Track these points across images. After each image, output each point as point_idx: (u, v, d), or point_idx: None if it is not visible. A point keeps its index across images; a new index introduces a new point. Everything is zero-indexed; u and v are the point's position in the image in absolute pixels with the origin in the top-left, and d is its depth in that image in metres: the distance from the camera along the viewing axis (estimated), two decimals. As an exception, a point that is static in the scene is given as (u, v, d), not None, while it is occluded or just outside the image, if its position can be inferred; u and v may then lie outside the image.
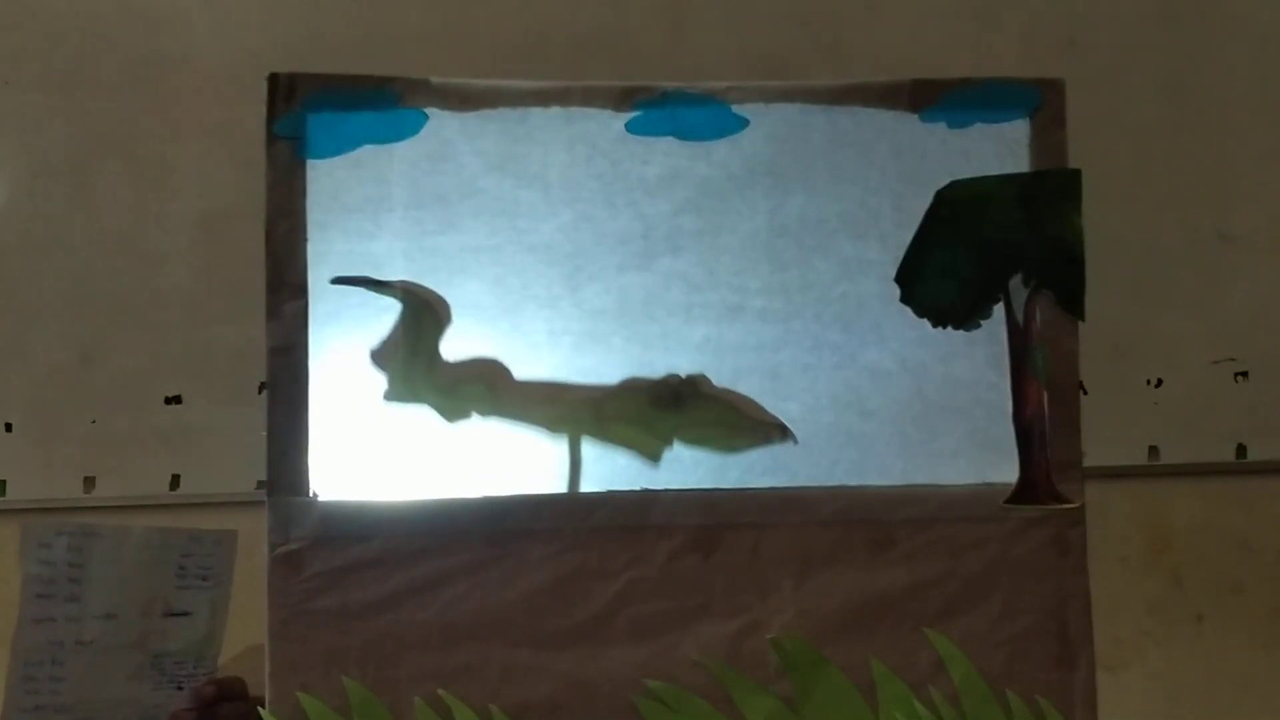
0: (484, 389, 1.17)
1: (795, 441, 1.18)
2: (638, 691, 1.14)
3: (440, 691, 1.13)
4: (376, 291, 1.16)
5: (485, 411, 1.17)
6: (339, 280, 1.16)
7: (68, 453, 2.43)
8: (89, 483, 2.44)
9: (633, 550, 1.16)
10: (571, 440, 1.17)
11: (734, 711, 1.15)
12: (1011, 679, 1.17)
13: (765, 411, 1.18)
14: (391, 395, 1.17)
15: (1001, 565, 1.18)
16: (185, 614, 1.31)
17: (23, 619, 1.24)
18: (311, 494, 1.14)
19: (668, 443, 1.18)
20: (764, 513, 1.17)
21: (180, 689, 1.32)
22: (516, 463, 1.18)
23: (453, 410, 1.17)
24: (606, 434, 1.17)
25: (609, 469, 1.18)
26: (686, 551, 1.16)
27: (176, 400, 2.43)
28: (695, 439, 1.18)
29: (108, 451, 2.43)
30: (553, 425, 1.17)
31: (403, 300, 1.17)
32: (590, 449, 1.18)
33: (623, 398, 1.18)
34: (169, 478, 2.44)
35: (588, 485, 1.18)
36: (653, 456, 1.18)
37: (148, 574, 1.30)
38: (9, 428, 2.43)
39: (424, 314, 1.16)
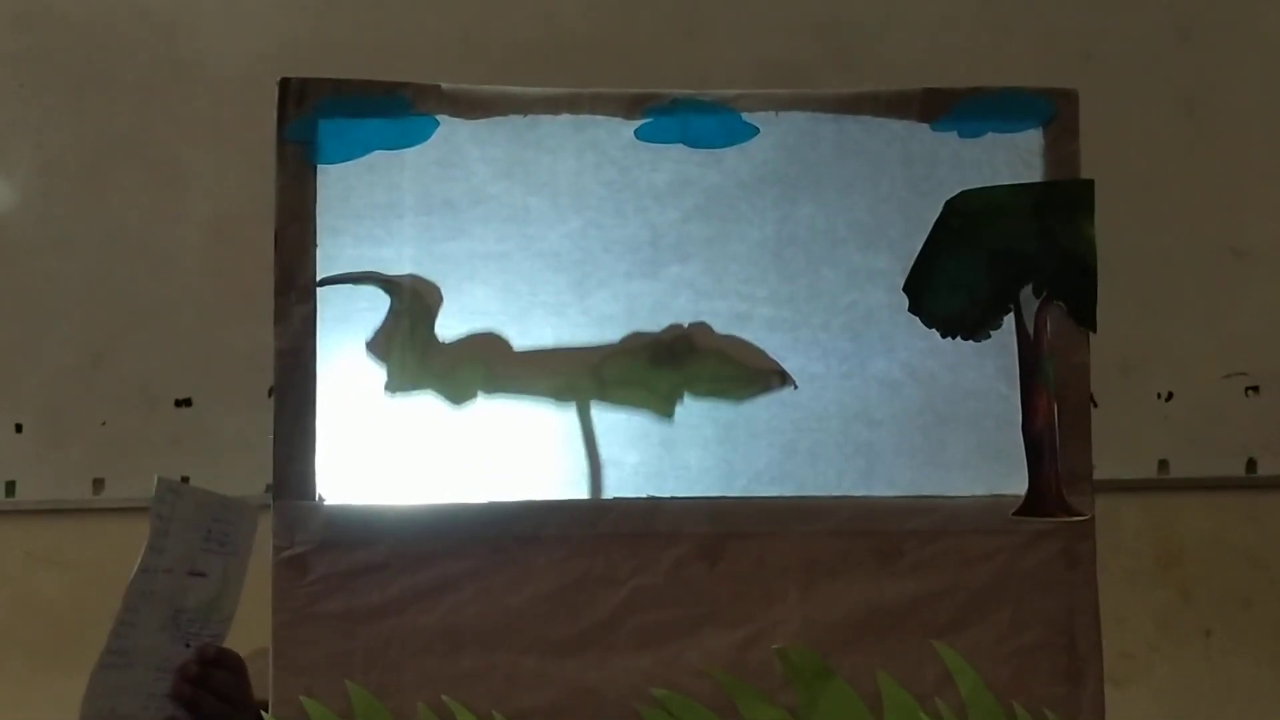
0: (482, 368, 1.16)
1: (795, 386, 1.17)
2: (643, 700, 1.14)
3: (444, 697, 1.13)
4: (355, 284, 1.16)
5: (488, 390, 1.16)
6: (323, 282, 1.15)
7: (77, 454, 2.44)
8: (98, 484, 2.44)
9: (638, 558, 1.15)
10: (580, 408, 1.17)
11: (739, 721, 1.14)
12: (1019, 692, 1.16)
13: (765, 358, 1.17)
14: (391, 386, 1.16)
15: (1010, 577, 1.17)
16: (203, 575, 1.33)
17: (138, 567, 1.28)
18: (317, 498, 1.14)
19: (675, 399, 1.17)
20: (770, 522, 1.17)
21: (187, 646, 1.34)
22: (530, 453, 1.17)
23: (455, 393, 1.16)
24: (609, 397, 1.17)
25: (615, 476, 1.18)
26: (692, 560, 1.16)
27: (187, 403, 2.44)
28: (702, 392, 1.17)
29: (117, 453, 2.44)
30: (557, 394, 1.16)
31: (387, 291, 1.16)
32: (602, 416, 1.17)
33: (620, 360, 1.17)
34: (178, 480, 2.44)
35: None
36: (664, 413, 1.17)
37: (192, 533, 1.32)
38: (19, 428, 2.44)
39: (411, 301, 1.16)
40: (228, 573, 1.36)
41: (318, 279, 1.15)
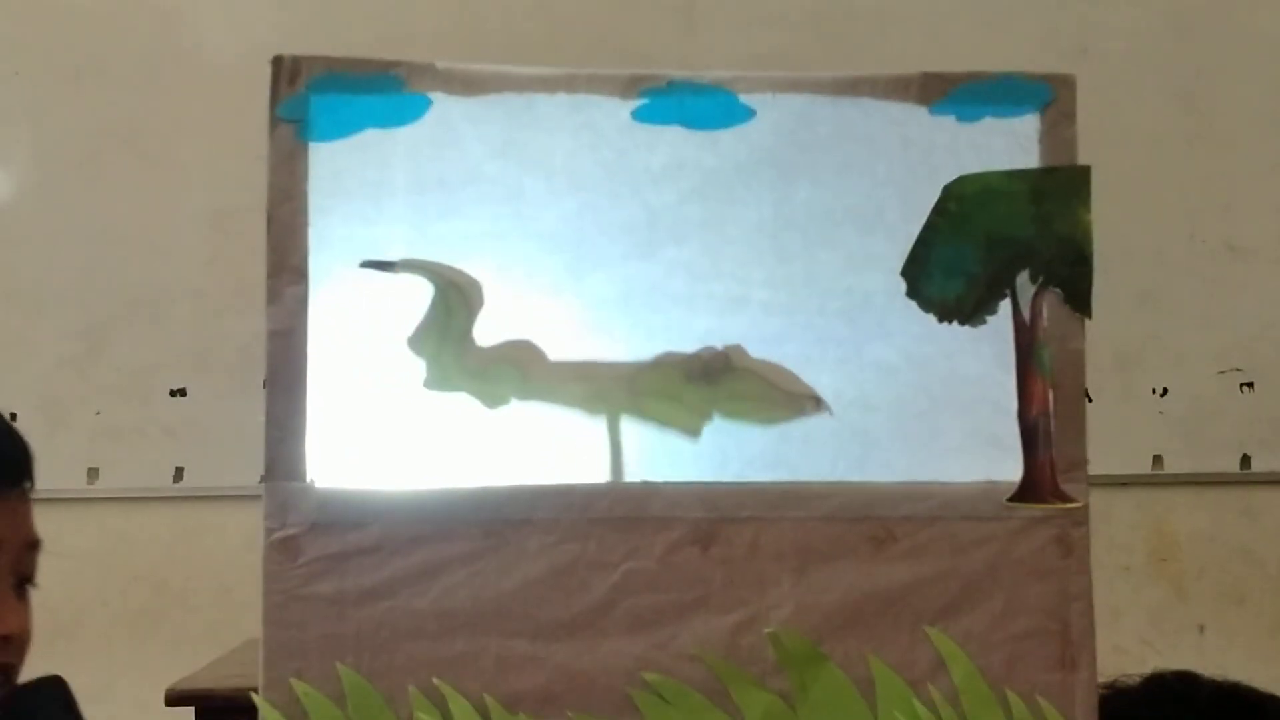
0: (517, 371, 1.15)
1: (830, 413, 1.17)
2: (634, 684, 1.13)
3: (435, 680, 1.12)
4: (405, 273, 1.15)
5: (521, 394, 1.16)
6: (368, 264, 1.15)
7: (72, 444, 2.44)
8: (92, 474, 2.44)
9: (631, 542, 1.15)
10: (610, 419, 1.16)
11: (731, 706, 1.14)
12: (1012, 679, 1.16)
13: (800, 382, 1.17)
14: (430, 384, 1.15)
15: (1004, 564, 1.17)
16: None
17: None
18: (309, 480, 1.13)
19: (705, 417, 1.16)
20: (764, 507, 1.16)
21: None
22: (551, 451, 1.16)
23: (489, 395, 1.15)
24: (640, 410, 1.16)
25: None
26: (685, 544, 1.15)
27: (181, 393, 2.44)
28: (733, 412, 1.17)
29: (112, 443, 2.44)
30: (588, 404, 1.15)
31: (433, 282, 1.16)
32: (630, 429, 1.16)
33: (655, 373, 1.16)
34: (172, 470, 2.44)
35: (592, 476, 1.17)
36: (691, 431, 1.16)
37: None
38: (13, 418, 2.43)
39: (453, 297, 1.15)
40: None
41: (361, 261, 1.15)
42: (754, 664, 1.14)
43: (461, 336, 1.15)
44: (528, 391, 1.16)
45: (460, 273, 1.15)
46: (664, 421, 1.16)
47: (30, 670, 2.34)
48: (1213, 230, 2.51)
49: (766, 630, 1.15)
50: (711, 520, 1.16)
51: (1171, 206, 2.50)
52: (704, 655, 1.14)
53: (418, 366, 1.15)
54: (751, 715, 1.14)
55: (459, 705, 1.12)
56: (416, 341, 1.15)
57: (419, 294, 1.16)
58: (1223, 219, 2.52)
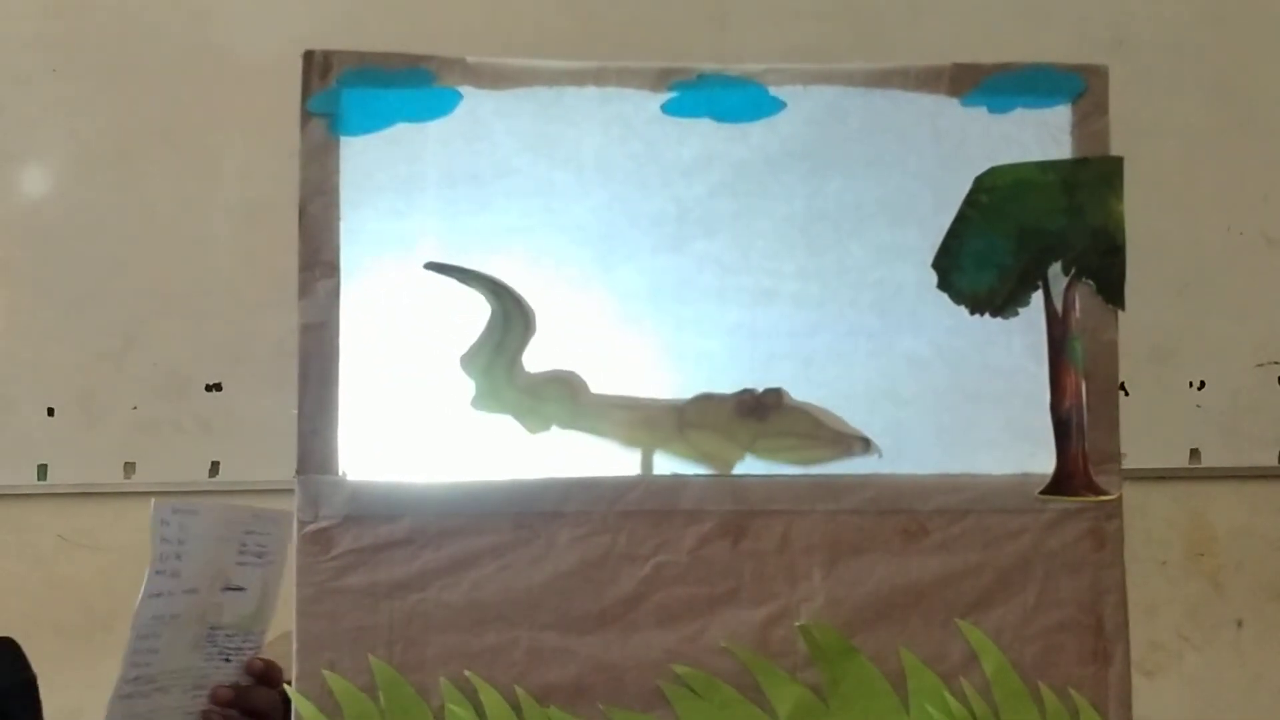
0: (565, 395, 1.15)
1: (879, 455, 1.17)
2: (665, 677, 1.13)
3: (466, 672, 1.13)
4: (467, 284, 1.15)
5: (565, 423, 1.15)
6: (432, 266, 1.15)
7: (108, 438, 2.46)
8: (129, 468, 2.46)
9: (661, 535, 1.15)
10: (645, 453, 1.16)
11: (761, 699, 1.14)
12: (1045, 672, 1.15)
13: (846, 424, 1.17)
14: (479, 404, 1.15)
15: (1036, 557, 1.16)
16: (240, 589, 1.31)
17: (144, 593, 1.26)
18: (341, 473, 1.14)
19: (744, 453, 1.16)
20: (795, 500, 1.16)
21: (228, 660, 1.33)
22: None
23: (534, 420, 1.15)
24: (686, 441, 1.16)
25: (640, 452, 1.17)
26: (716, 537, 1.15)
27: (217, 388, 2.45)
28: (772, 449, 1.16)
29: (148, 438, 2.45)
30: (630, 433, 1.15)
31: (493, 299, 1.15)
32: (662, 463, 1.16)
33: (703, 406, 1.16)
34: (208, 464, 2.45)
35: (621, 471, 1.17)
36: (726, 469, 1.16)
37: (219, 549, 1.30)
38: (51, 412, 2.46)
39: (514, 316, 1.15)
40: (266, 583, 1.35)
41: (426, 263, 1.15)
42: (784, 657, 1.14)
43: (514, 358, 1.15)
44: (575, 416, 1.15)
45: (521, 296, 1.15)
46: (703, 455, 1.16)
47: (66, 662, 2.38)
48: (1250, 222, 2.48)
49: (797, 623, 1.15)
50: (742, 513, 1.16)
51: (1208, 198, 2.48)
52: (734, 648, 1.14)
53: (467, 386, 1.15)
54: (782, 708, 1.14)
55: (490, 697, 1.12)
56: (469, 360, 1.15)
57: (450, 293, 1.16)
58: (1260, 210, 2.49)
